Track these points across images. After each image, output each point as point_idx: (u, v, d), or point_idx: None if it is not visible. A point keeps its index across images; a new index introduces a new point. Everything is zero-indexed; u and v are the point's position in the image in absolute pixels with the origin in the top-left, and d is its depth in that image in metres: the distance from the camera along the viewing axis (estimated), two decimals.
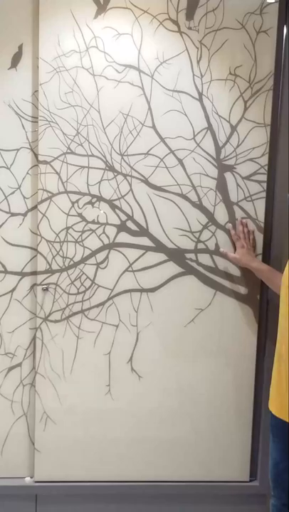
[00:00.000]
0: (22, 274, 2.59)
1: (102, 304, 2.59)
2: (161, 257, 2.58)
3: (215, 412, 2.67)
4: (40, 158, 2.50)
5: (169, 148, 2.53)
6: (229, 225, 2.57)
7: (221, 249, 2.57)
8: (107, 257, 2.57)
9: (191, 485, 2.68)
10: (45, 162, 2.51)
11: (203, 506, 2.72)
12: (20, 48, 2.48)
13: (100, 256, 2.57)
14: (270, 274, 2.49)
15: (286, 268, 2.19)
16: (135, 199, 2.55)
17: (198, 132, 2.52)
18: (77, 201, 2.54)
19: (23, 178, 2.54)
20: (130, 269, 2.58)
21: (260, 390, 2.67)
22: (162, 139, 2.52)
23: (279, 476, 2.22)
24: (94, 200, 2.54)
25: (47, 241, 2.54)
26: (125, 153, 2.52)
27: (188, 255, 2.59)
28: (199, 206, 2.57)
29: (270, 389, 2.26)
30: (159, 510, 2.71)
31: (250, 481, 2.72)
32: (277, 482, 2.23)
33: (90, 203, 2.54)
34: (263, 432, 2.67)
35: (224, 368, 2.65)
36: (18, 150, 2.52)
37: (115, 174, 2.53)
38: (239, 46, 2.48)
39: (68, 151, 2.51)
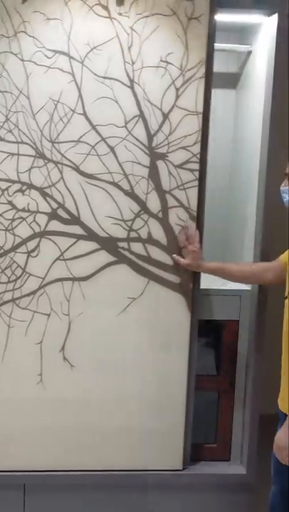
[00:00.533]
0: None
1: (34, 292, 2.56)
2: (93, 245, 2.56)
3: (147, 400, 2.67)
4: None
5: (100, 136, 2.50)
6: (180, 233, 2.57)
7: (173, 256, 2.58)
8: (38, 246, 2.54)
9: (121, 474, 2.68)
10: None
11: (134, 495, 2.72)
12: None
13: (31, 244, 2.54)
14: (224, 269, 2.52)
15: None
16: (66, 187, 2.52)
17: (130, 120, 2.50)
18: (7, 189, 2.50)
19: None
20: (62, 257, 2.56)
21: (192, 378, 2.67)
22: (93, 127, 2.49)
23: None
24: (24, 187, 2.51)
25: None
26: (56, 141, 2.49)
27: (120, 244, 2.57)
28: (131, 194, 2.55)
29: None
30: (87, 499, 2.72)
31: (183, 469, 2.73)
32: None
33: (20, 190, 2.51)
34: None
35: (157, 356, 2.64)
36: None
37: (46, 162, 2.50)
38: (170, 33, 2.46)
39: None
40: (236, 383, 2.79)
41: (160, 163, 2.54)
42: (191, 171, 2.55)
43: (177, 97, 2.50)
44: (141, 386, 2.66)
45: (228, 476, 2.77)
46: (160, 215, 2.57)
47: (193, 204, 2.57)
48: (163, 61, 2.48)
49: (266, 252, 2.63)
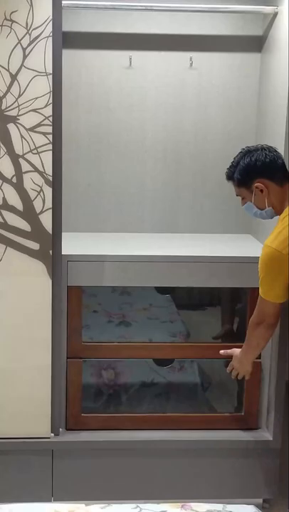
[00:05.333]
0: None
1: None
2: None
3: (12, 367, 2.63)
4: None
5: None
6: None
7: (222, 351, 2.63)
8: None
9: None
10: None
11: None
12: None
13: None
14: (249, 352, 2.51)
15: None
16: None
17: None
18: None
19: None
20: None
21: (58, 343, 2.65)
22: None
23: None
24: None
25: None
26: None
27: None
28: None
29: None
30: None
31: (55, 436, 2.72)
32: None
33: None
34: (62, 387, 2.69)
35: (19, 323, 2.60)
36: None
37: None
38: None
39: None
40: (262, 352, 2.72)
41: (11, 127, 2.46)
42: (44, 134, 2.48)
43: (25, 57, 2.42)
44: (4, 353, 2.61)
45: (255, 442, 2.77)
46: (14, 180, 2.50)
47: (48, 168, 2.51)
48: (7, 19, 2.38)
49: None
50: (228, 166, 2.41)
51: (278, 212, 2.35)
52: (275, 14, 2.75)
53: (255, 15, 2.87)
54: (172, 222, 3.11)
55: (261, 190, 2.32)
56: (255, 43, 2.95)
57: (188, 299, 3.46)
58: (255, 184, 2.32)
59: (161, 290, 3.30)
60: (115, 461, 2.76)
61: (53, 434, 2.70)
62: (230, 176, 2.40)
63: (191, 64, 2.95)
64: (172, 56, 2.96)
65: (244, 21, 2.93)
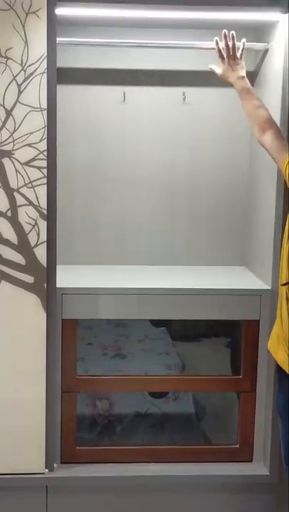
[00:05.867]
0: None
1: None
2: None
3: (6, 400, 2.61)
4: None
5: None
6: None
7: (209, 66, 2.53)
8: None
9: None
10: None
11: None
12: None
13: None
14: (248, 96, 2.45)
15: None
16: None
17: None
18: None
19: None
20: None
21: (52, 377, 2.63)
22: None
23: None
24: None
25: None
26: None
27: None
28: None
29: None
30: None
31: (50, 471, 2.69)
32: None
33: None
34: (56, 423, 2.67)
35: (13, 356, 2.59)
36: None
37: None
38: (9, 27, 2.40)
39: None
40: (257, 384, 2.74)
41: (6, 161, 2.49)
42: (39, 168, 2.50)
43: (20, 93, 2.45)
44: None
45: (251, 476, 2.74)
46: (9, 213, 2.52)
47: (43, 202, 2.52)
48: (3, 56, 2.42)
49: None
50: None
51: None
52: (266, 51, 2.80)
53: (246, 51, 2.91)
54: (168, 255, 3.12)
55: None
56: (247, 78, 2.98)
57: (183, 331, 3.46)
58: None
59: (157, 323, 3.30)
60: (110, 497, 2.72)
61: (47, 470, 2.67)
62: None
63: (184, 99, 2.99)
64: (165, 91, 3.00)
65: None
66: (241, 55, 2.50)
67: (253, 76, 2.94)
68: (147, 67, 2.98)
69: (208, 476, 2.73)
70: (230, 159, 3.06)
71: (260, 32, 2.86)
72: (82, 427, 2.94)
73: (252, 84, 2.93)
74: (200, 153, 3.07)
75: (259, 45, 2.82)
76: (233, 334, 3.04)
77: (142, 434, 3.01)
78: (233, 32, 2.45)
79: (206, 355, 3.17)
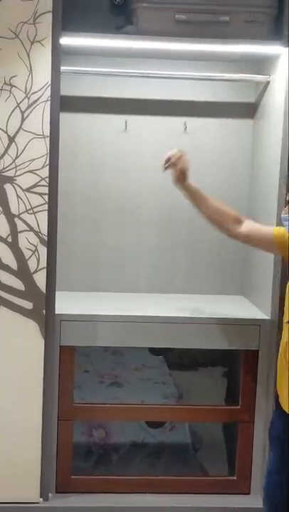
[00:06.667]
0: None
1: None
2: None
3: (2, 430, 2.58)
4: None
5: None
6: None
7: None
8: None
9: None
10: None
11: None
12: None
13: None
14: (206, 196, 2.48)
15: None
16: None
17: None
18: None
19: None
20: None
21: (49, 404, 2.61)
22: None
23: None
24: None
25: None
26: None
27: None
28: None
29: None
30: None
31: (44, 501, 2.65)
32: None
33: None
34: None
35: (10, 383, 2.57)
36: None
37: None
38: (14, 56, 2.44)
39: None
40: (256, 415, 2.73)
41: (8, 187, 2.50)
42: (40, 194, 2.52)
43: (23, 120, 2.48)
44: None
45: (249, 509, 2.70)
46: (9, 239, 2.52)
47: (44, 228, 2.53)
48: (7, 84, 2.45)
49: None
50: None
51: None
52: (268, 83, 2.83)
53: (247, 82, 2.96)
54: (166, 283, 3.11)
55: None
56: (248, 110, 3.02)
57: (180, 359, 3.44)
58: None
59: (154, 351, 3.28)
60: None
61: (41, 499, 2.63)
62: None
63: (186, 129, 3.02)
64: (167, 121, 3.03)
65: (237, 88, 3.00)
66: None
67: (253, 107, 2.98)
68: (149, 97, 3.01)
69: (206, 508, 2.70)
70: (231, 190, 3.07)
71: (261, 64, 2.90)
72: (78, 456, 2.90)
73: (252, 116, 2.98)
74: (200, 183, 3.05)
75: (260, 78, 2.86)
76: (230, 363, 3.02)
77: (138, 464, 2.97)
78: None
79: (203, 385, 3.14)
